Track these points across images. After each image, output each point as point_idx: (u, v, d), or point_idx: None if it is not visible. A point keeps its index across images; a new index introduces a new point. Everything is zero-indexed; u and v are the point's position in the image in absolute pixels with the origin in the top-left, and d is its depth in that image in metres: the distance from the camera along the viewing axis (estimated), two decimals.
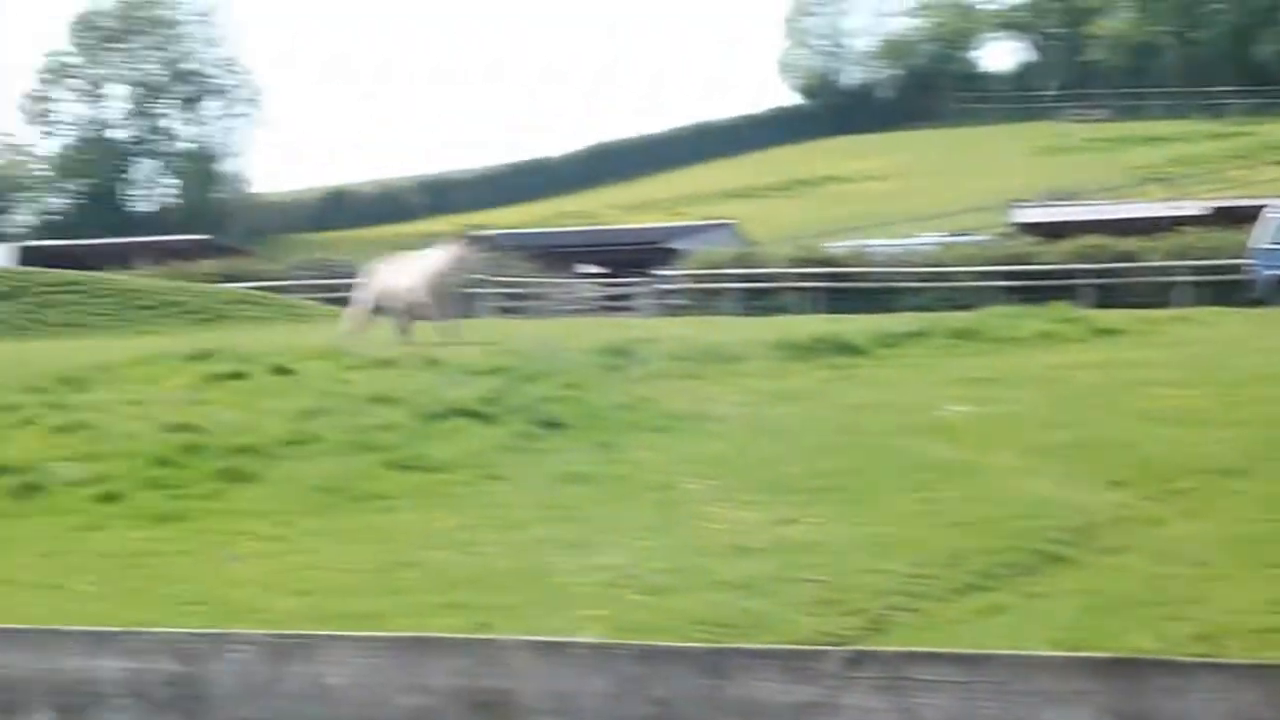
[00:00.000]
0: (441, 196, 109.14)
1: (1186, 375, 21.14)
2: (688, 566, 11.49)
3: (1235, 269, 43.96)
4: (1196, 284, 46.60)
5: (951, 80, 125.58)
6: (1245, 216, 50.46)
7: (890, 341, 25.75)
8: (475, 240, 29.43)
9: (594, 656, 3.48)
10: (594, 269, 65.85)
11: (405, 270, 29.24)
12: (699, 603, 10.61)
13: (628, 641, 3.57)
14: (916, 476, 14.54)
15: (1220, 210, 58.77)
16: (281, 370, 21.28)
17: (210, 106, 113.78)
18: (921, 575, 11.16)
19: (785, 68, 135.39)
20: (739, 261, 54.11)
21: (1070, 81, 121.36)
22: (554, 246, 67.09)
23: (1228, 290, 43.73)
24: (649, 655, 3.50)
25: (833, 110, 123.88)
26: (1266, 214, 42.47)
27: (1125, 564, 11.54)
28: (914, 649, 3.87)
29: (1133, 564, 11.51)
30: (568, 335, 26.46)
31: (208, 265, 58.62)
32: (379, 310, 29.25)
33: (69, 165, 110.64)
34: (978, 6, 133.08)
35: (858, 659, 3.37)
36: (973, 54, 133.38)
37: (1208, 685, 3.09)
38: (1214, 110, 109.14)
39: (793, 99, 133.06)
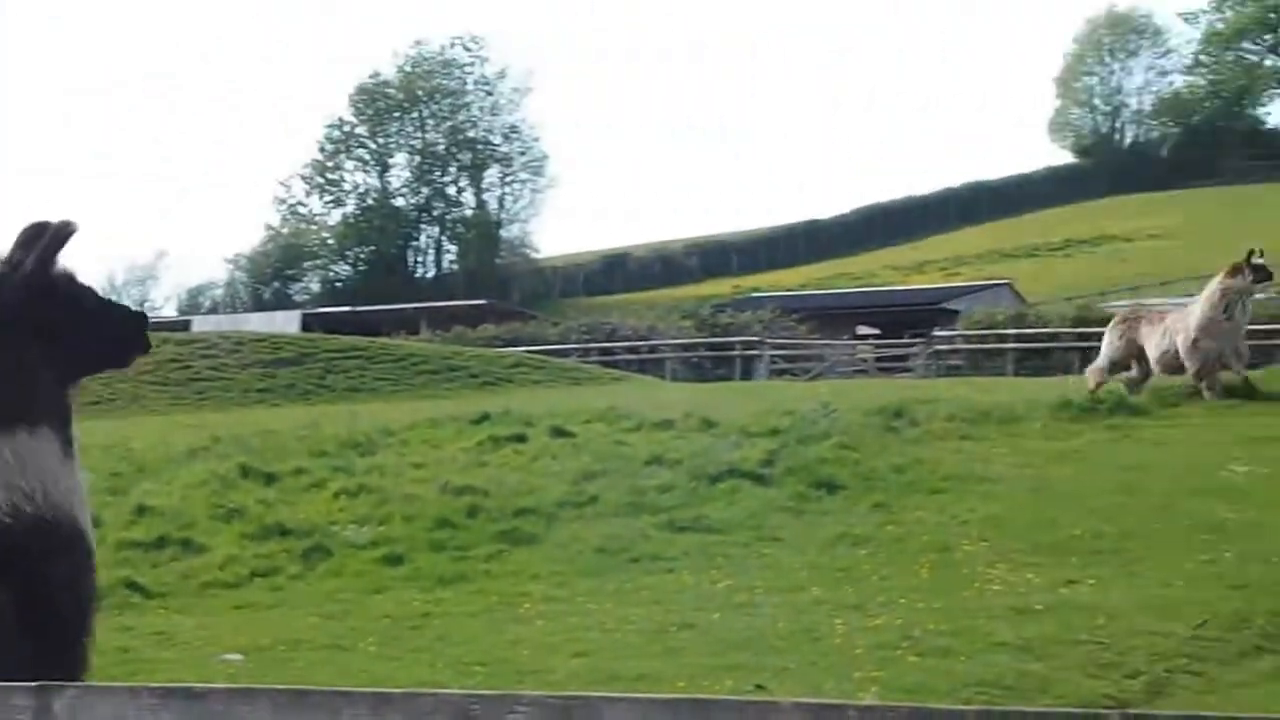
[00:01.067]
0: (715, 259, 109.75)
1: None
2: (966, 628, 11.45)
3: None
4: None
5: (1231, 137, 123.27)
6: None
7: (1171, 400, 25.33)
8: (1255, 268, 25.66)
9: (867, 718, 3.50)
10: (871, 330, 65.72)
11: (1169, 321, 25.86)
12: (977, 665, 10.57)
13: (900, 704, 3.59)
14: (1199, 537, 14.32)
15: None
16: (561, 433, 21.62)
17: (492, 173, 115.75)
18: (1204, 637, 11.00)
19: (1057, 127, 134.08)
20: (1016, 321, 53.65)
21: None
22: (830, 308, 67.15)
23: None
24: (922, 717, 3.52)
25: (1108, 169, 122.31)
26: None
27: None
28: (1191, 713, 3.86)
29: None
30: (844, 396, 26.46)
31: (489, 329, 59.65)
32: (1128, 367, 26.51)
33: (354, 233, 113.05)
34: (1260, 63, 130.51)
35: None
36: (1254, 111, 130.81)
37: None
38: None
39: (1064, 158, 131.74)
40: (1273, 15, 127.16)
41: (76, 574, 5.60)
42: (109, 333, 5.83)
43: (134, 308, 6.01)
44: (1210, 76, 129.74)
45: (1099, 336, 50.19)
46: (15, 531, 5.34)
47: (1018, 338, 51.72)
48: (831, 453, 19.22)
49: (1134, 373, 26.14)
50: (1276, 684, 9.98)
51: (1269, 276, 25.97)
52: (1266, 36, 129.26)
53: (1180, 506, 15.94)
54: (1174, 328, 25.64)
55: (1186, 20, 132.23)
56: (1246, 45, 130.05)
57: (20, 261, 5.52)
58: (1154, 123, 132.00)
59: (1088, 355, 49.98)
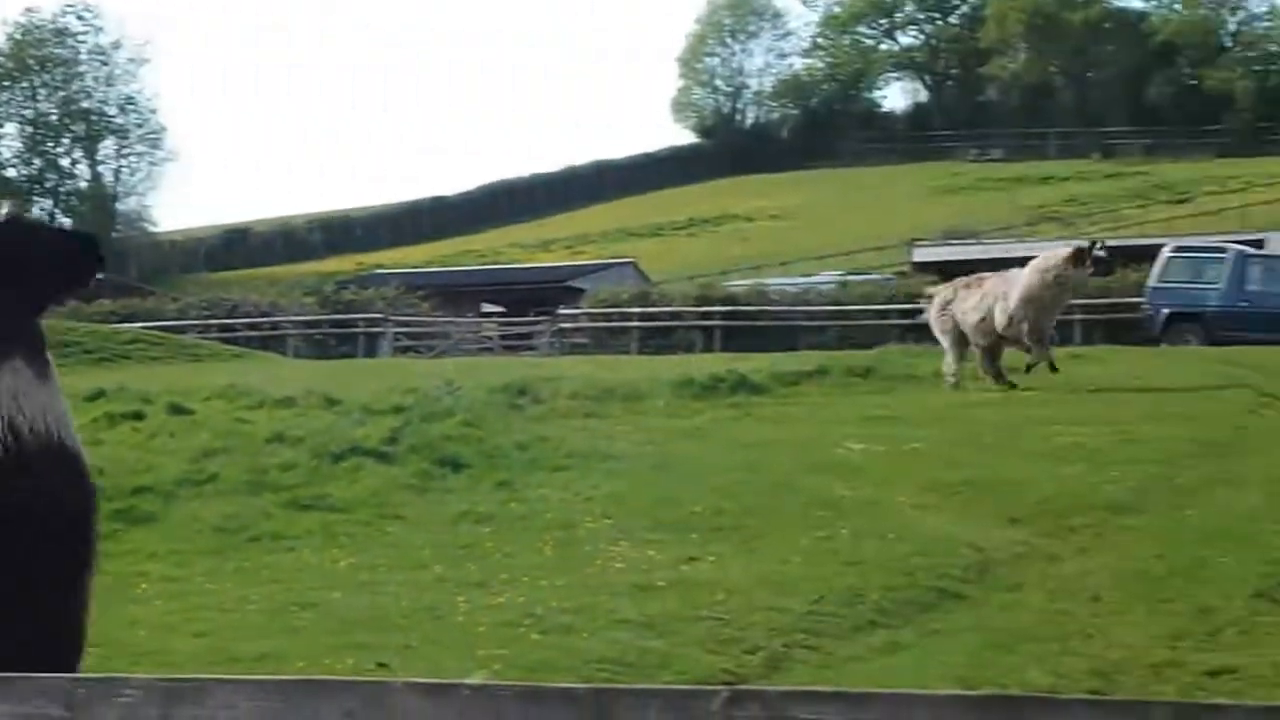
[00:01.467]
0: (339, 235, 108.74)
1: (1082, 413, 21.36)
2: (588, 605, 11.49)
3: (1130, 307, 44.38)
4: (1092, 322, 47.12)
5: (849, 120, 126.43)
6: (1138, 255, 51.03)
7: (790, 380, 25.84)
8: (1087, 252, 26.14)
9: (479, 698, 3.47)
10: (495, 308, 65.77)
11: (992, 291, 25.94)
12: (599, 641, 10.61)
13: (513, 683, 3.57)
14: (816, 514, 14.60)
15: (1113, 249, 59.42)
16: (179, 410, 21.15)
17: (108, 145, 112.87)
18: (821, 613, 11.20)
19: (680, 107, 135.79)
20: (640, 300, 54.21)
21: (966, 121, 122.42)
22: (455, 285, 67.02)
23: (1122, 329, 44.22)
24: (534, 696, 3.49)
25: (730, 149, 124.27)
26: (1164, 253, 42.93)
27: (1022, 600, 11.65)
28: (796, 688, 3.89)
29: (1029, 600, 11.61)
30: (468, 374, 26.40)
31: (104, 305, 58.11)
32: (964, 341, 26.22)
33: None
34: (875, 47, 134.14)
35: (739, 698, 3.37)
36: (870, 94, 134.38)
37: None
38: (1108, 150, 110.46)
39: (687, 138, 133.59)
40: (888, 0, 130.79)
41: (81, 496, 5.84)
42: (69, 259, 6.14)
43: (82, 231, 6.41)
44: (828, 59, 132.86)
45: (721, 315, 51.29)
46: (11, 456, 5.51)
47: (642, 316, 52.22)
48: (455, 430, 19.13)
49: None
50: (890, 657, 10.21)
51: (1108, 271, 26.98)
52: (882, 20, 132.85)
53: (799, 484, 16.25)
54: (994, 293, 25.87)
55: (805, 3, 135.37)
56: (863, 29, 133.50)
57: None
58: (774, 104, 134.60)
59: (710, 334, 50.88)
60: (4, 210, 6.09)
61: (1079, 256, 25.68)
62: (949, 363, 25.87)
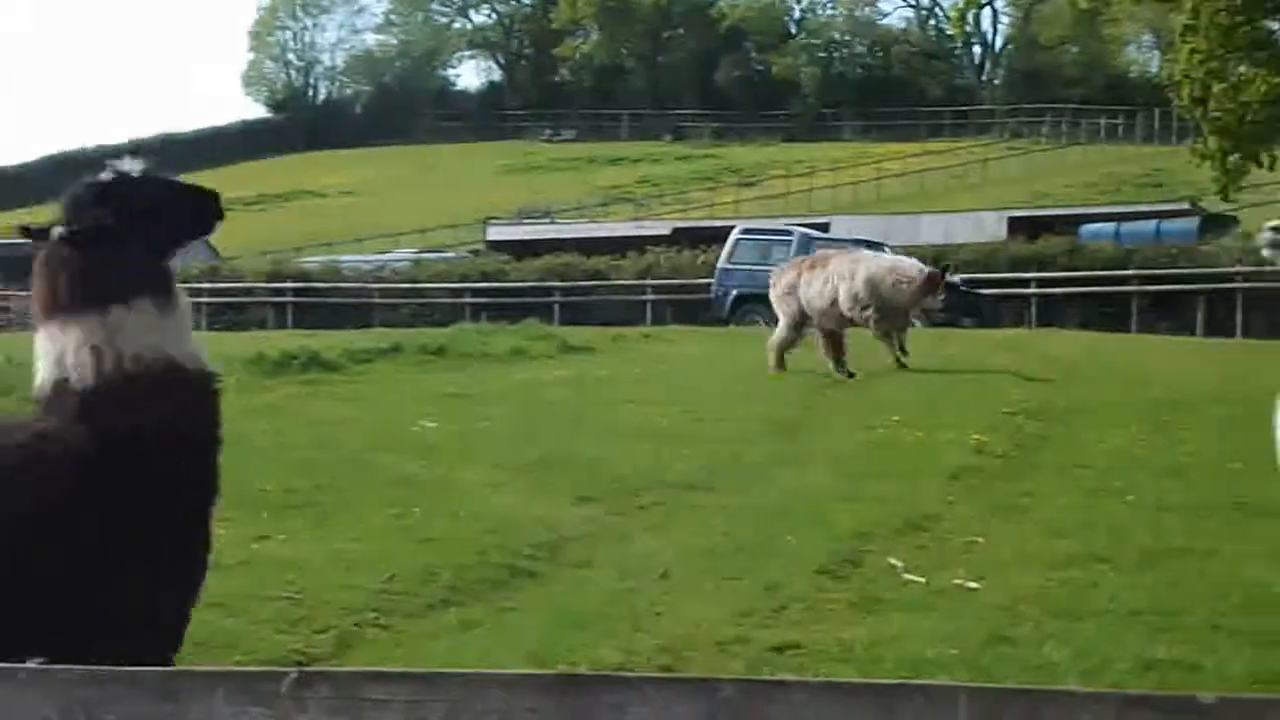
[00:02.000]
0: None
1: (653, 392, 21.67)
2: None
3: (699, 288, 45.24)
4: (664, 302, 47.93)
5: (423, 98, 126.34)
6: (708, 237, 52.09)
7: (364, 357, 25.66)
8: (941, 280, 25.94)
9: (40, 681, 3.34)
10: None
11: (837, 271, 25.39)
12: None
13: (76, 666, 3.43)
14: (389, 493, 14.48)
15: (681, 230, 60.56)
16: None
17: None
18: (393, 591, 11.10)
19: (251, 80, 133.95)
20: (210, 275, 53.28)
21: (540, 101, 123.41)
22: (14, 257, 64.87)
23: (693, 309, 45.09)
24: (98, 679, 3.37)
25: (303, 125, 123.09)
26: (733, 235, 43.86)
27: (592, 578, 11.70)
28: (368, 669, 3.85)
29: (600, 578, 11.67)
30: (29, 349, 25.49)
31: None
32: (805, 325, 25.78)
33: None
34: (449, 25, 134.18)
35: (308, 679, 3.31)
36: (444, 72, 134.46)
37: (651, 699, 3.14)
38: (678, 133, 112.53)
39: (258, 112, 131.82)
40: None
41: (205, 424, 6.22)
42: (198, 212, 6.73)
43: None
44: (401, 36, 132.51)
45: (294, 291, 50.71)
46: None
47: (212, 292, 51.35)
48: (18, 410, 18.47)
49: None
50: (462, 635, 10.14)
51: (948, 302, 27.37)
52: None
53: (372, 462, 16.12)
54: (840, 272, 25.32)
55: None
56: (436, 7, 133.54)
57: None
58: (347, 80, 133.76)
59: (283, 310, 50.31)
60: (139, 165, 6.47)
61: (933, 282, 25.37)
62: (778, 337, 25.71)
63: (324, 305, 49.85)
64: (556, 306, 48.24)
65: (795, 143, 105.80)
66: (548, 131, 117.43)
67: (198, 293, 51.19)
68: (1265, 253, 8.04)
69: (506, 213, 79.11)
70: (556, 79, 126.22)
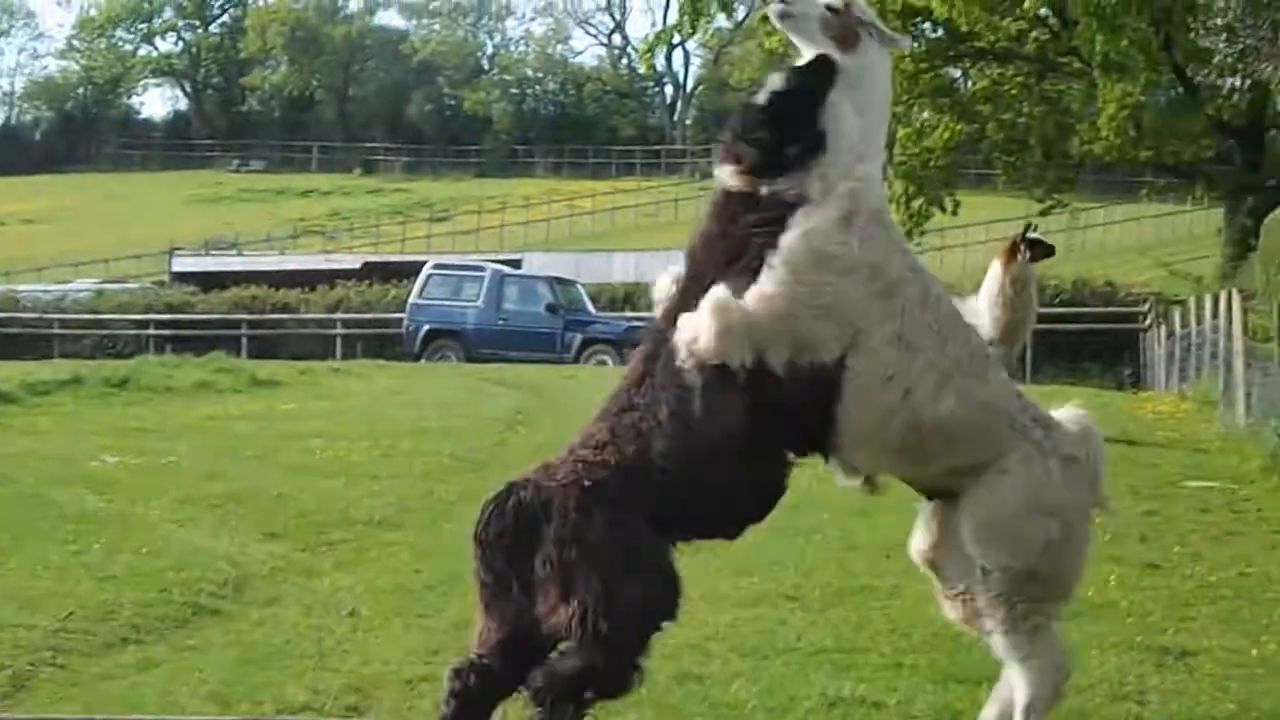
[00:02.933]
0: None
1: (343, 427, 21.44)
2: None
3: (391, 323, 45.01)
4: (354, 337, 47.59)
5: (106, 125, 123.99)
6: (399, 272, 51.87)
7: (42, 389, 25.00)
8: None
9: None
10: None
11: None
12: None
13: None
14: (68, 528, 14.07)
15: (372, 265, 60.23)
16: None
17: None
18: (71, 630, 10.77)
19: None
20: None
21: (228, 131, 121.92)
22: None
23: (383, 344, 44.83)
24: None
25: None
26: (425, 270, 43.72)
27: (279, 615, 11.48)
28: (39, 717, 3.69)
29: (287, 615, 11.46)
30: None
31: None
32: None
33: None
34: (134, 52, 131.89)
35: None
36: (129, 100, 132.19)
37: None
38: (369, 166, 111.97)
39: None
40: (147, 4, 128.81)
41: None
42: None
43: None
44: (84, 62, 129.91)
45: None
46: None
47: None
48: None
49: None
50: (142, 674, 9.87)
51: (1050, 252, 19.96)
52: (141, 26, 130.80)
53: (50, 496, 15.66)
54: None
55: (60, 4, 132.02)
56: (121, 33, 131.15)
57: None
58: (27, 105, 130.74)
59: None
60: None
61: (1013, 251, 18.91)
62: None
63: (0, 336, 48.47)
64: (244, 339, 47.56)
65: (487, 178, 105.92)
66: (236, 162, 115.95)
67: None
68: (776, 23, 8.03)
69: (193, 244, 77.89)
70: (245, 109, 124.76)
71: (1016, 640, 7.54)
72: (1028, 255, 18.48)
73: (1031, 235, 18.69)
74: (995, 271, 18.64)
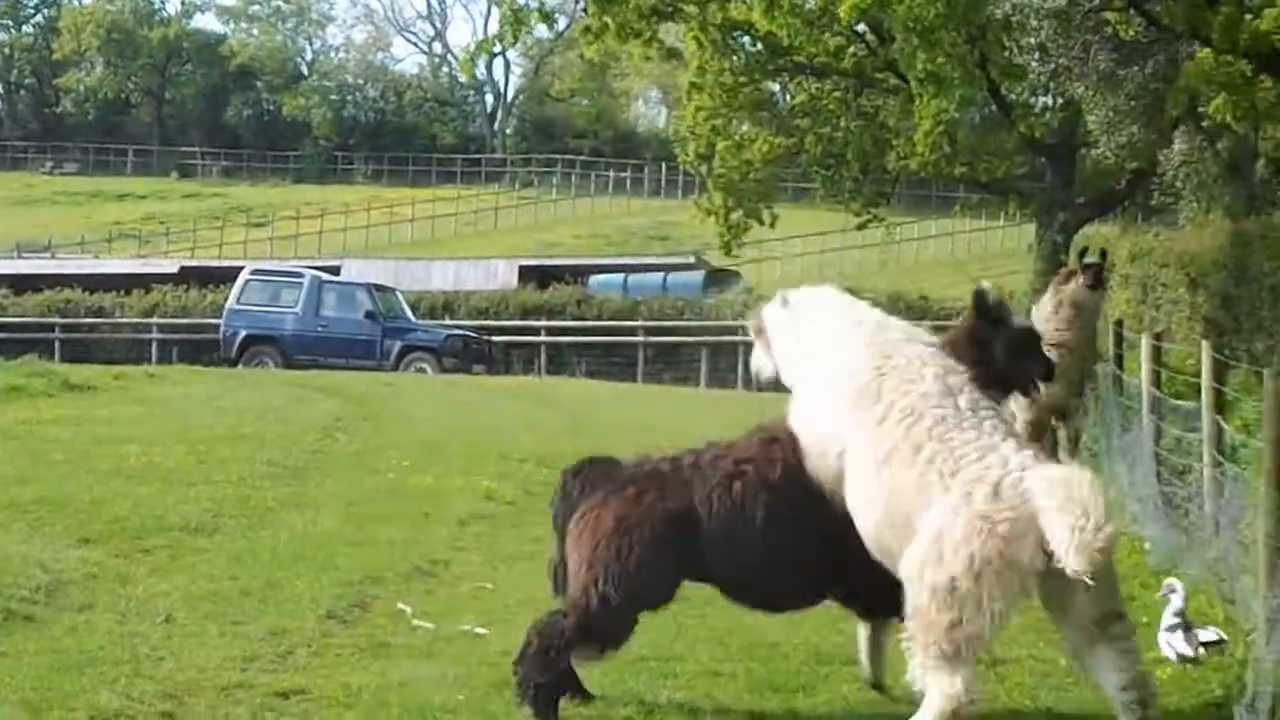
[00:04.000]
0: None
1: (158, 433, 21.19)
2: None
3: (208, 328, 44.59)
4: (170, 342, 47.09)
5: None
6: (216, 277, 51.40)
7: None
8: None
9: None
10: None
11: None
12: None
13: None
14: None
15: (189, 269, 59.62)
16: None
17: None
18: None
19: None
20: None
21: (41, 133, 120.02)
22: None
23: (200, 349, 44.38)
24: None
25: None
26: (243, 276, 43.36)
27: (93, 622, 11.38)
28: None
29: (101, 622, 11.36)
30: None
31: None
32: None
33: None
34: None
35: None
36: None
37: None
38: (185, 170, 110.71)
39: None
40: None
41: None
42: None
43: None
44: None
45: None
46: None
47: None
48: None
49: None
50: None
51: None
52: None
53: None
54: None
55: None
56: None
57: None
58: None
59: None
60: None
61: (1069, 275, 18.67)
62: None
63: None
64: (57, 343, 46.89)
65: (306, 184, 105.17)
66: (49, 164, 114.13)
67: None
68: None
69: (4, 246, 76.62)
70: (59, 111, 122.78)
71: None
72: (1086, 280, 17.94)
73: (1090, 260, 18.35)
74: (1054, 292, 18.19)
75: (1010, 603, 8.18)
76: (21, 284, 56.40)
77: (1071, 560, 7.78)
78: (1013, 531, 8.03)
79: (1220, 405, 13.78)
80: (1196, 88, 30.30)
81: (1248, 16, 28.75)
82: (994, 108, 42.57)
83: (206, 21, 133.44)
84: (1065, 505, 7.87)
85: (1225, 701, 9.53)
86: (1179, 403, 13.02)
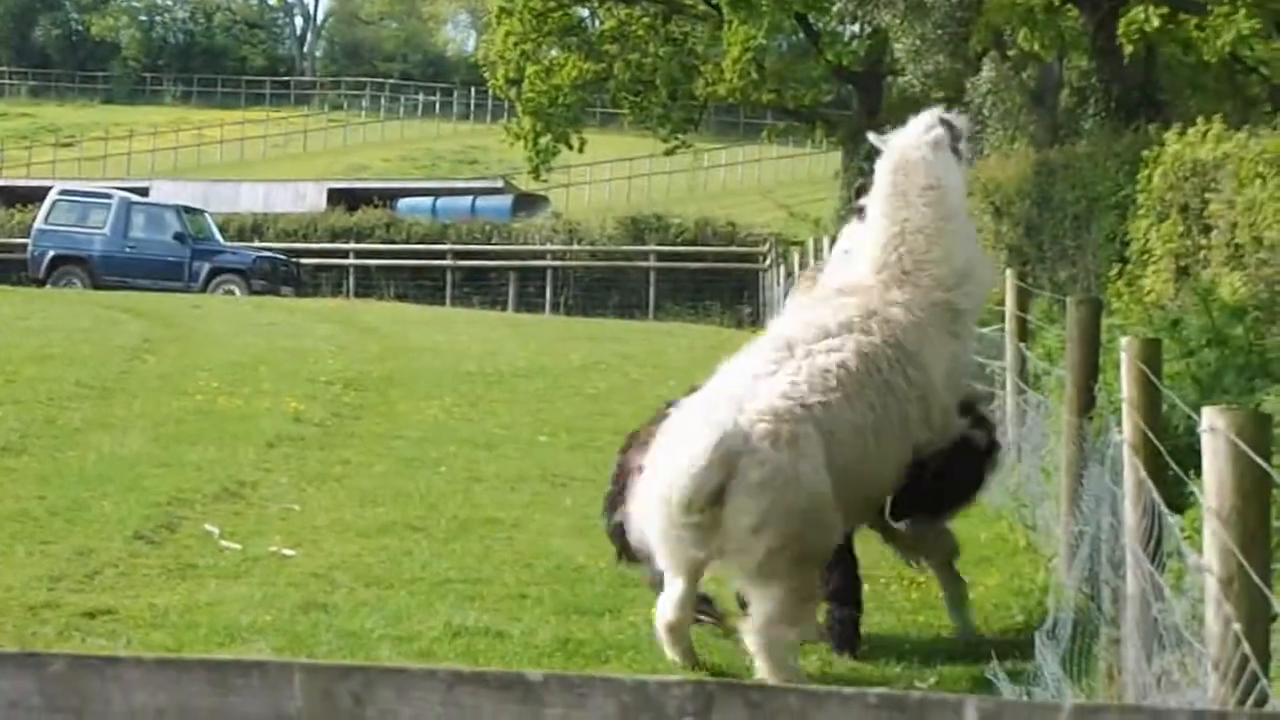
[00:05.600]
0: None
1: None
2: None
3: (16, 248, 44.00)
4: None
5: None
6: (24, 197, 50.64)
7: None
8: None
9: None
10: None
11: None
12: None
13: None
14: None
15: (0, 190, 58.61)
16: None
17: None
18: None
19: None
20: None
21: None
22: None
23: (7, 269, 43.72)
24: None
25: None
26: (51, 196, 42.79)
27: None
28: None
29: None
30: None
31: None
32: None
33: None
34: None
35: None
36: None
37: None
38: None
39: None
40: None
41: None
42: None
43: None
44: None
45: None
46: None
47: None
48: None
49: None
50: None
51: None
52: None
53: None
54: None
55: None
56: None
57: None
58: None
59: None
60: None
61: None
62: None
63: None
64: None
65: (115, 105, 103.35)
66: None
67: None
68: None
69: None
70: None
71: None
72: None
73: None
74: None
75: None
76: None
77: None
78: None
79: (1023, 333, 14.15)
80: (998, 22, 30.80)
81: None
82: (802, 35, 42.99)
83: None
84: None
85: (1026, 628, 9.76)
86: (983, 330, 13.39)
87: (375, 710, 3.00)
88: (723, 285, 44.78)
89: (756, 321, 39.82)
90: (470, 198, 55.82)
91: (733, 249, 46.15)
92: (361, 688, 3.01)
